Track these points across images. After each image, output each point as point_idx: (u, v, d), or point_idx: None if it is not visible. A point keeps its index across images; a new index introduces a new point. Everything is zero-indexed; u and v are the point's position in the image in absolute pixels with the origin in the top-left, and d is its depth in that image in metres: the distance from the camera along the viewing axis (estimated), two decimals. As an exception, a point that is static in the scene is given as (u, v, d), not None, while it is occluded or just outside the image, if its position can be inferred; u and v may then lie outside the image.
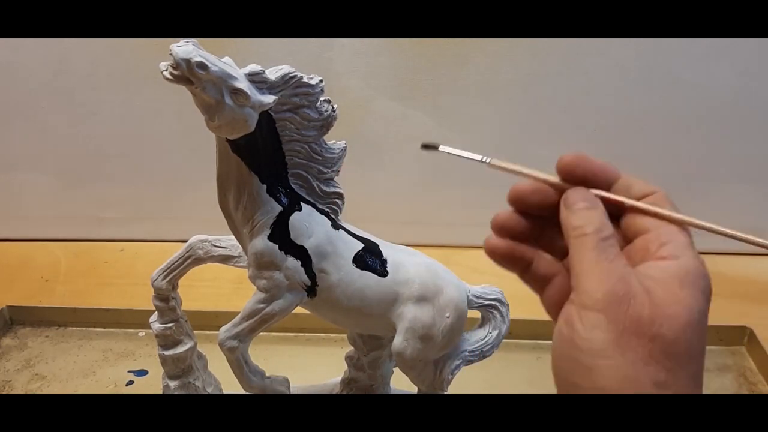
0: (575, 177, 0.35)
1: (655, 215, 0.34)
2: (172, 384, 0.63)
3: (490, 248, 0.37)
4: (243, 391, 0.57)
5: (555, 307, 0.34)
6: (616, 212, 0.34)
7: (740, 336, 0.86)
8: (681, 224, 0.33)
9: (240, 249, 0.56)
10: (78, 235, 1.10)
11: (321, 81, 0.49)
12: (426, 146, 0.42)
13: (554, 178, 0.36)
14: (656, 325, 0.29)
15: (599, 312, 0.30)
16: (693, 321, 0.30)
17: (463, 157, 0.39)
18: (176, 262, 0.59)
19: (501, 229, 0.37)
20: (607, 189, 0.35)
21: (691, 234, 0.34)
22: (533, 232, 0.37)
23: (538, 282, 0.36)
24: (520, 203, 0.37)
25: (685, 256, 0.32)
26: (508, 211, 0.37)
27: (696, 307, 0.30)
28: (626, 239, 0.34)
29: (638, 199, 0.34)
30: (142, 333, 0.88)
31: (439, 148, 0.41)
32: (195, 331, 0.64)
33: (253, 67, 0.47)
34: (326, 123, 0.51)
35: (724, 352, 0.85)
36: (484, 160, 0.38)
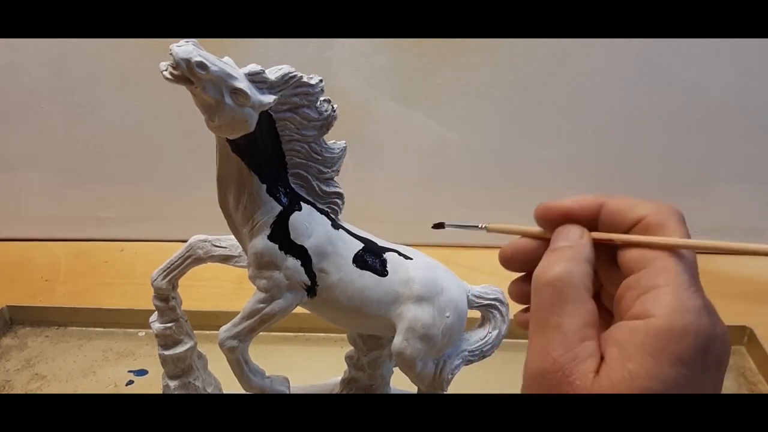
0: (552, 225, 0.33)
1: (640, 245, 0.30)
2: (172, 384, 0.63)
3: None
4: (243, 391, 0.57)
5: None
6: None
7: (740, 336, 0.86)
8: (673, 248, 0.29)
9: (240, 249, 0.56)
10: (78, 234, 1.10)
11: (321, 81, 0.49)
12: (436, 226, 0.48)
13: (538, 230, 0.35)
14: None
15: (526, 389, 0.29)
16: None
17: (464, 227, 0.43)
18: (176, 261, 0.59)
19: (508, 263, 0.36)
20: (591, 222, 0.32)
21: (689, 261, 0.29)
22: None
23: None
24: (510, 264, 0.36)
25: (660, 312, 0.27)
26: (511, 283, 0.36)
27: (651, 384, 0.26)
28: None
29: (631, 225, 0.31)
30: (142, 333, 0.88)
31: (445, 226, 0.46)
32: (195, 331, 0.64)
33: (253, 67, 0.47)
34: (326, 123, 0.51)
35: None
36: (481, 226, 0.39)
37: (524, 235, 0.35)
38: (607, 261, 0.32)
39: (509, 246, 0.35)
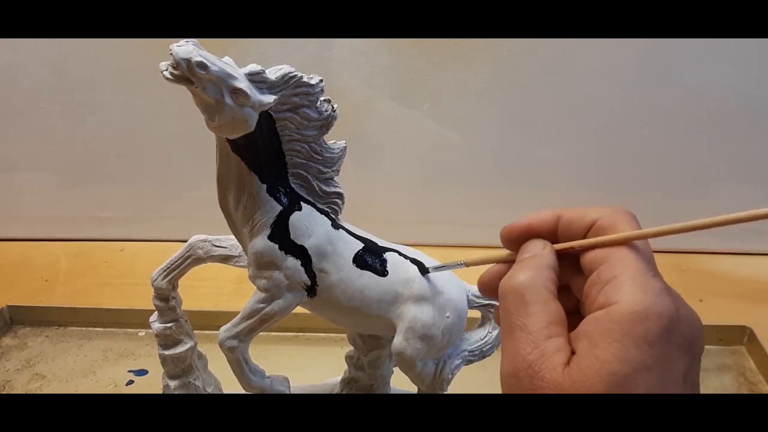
0: (516, 244, 0.35)
1: (596, 245, 0.31)
2: (172, 384, 0.63)
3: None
4: (243, 391, 0.57)
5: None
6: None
7: (740, 336, 0.86)
8: (625, 241, 0.30)
9: (240, 249, 0.56)
10: (78, 234, 1.11)
11: (321, 81, 0.49)
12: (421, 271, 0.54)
13: (503, 254, 0.37)
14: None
15: (504, 391, 0.30)
16: (615, 384, 0.26)
17: (447, 268, 0.50)
18: (176, 261, 0.59)
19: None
20: (552, 236, 0.34)
21: (644, 251, 0.30)
22: None
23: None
24: (488, 291, 0.37)
25: (621, 298, 0.28)
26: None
27: (619, 368, 0.26)
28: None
29: (585, 230, 0.32)
30: (142, 333, 0.88)
31: (429, 270, 0.53)
32: (195, 331, 0.64)
33: (253, 67, 0.47)
34: (326, 123, 0.51)
35: (724, 352, 0.85)
36: (461, 263, 0.43)
37: (498, 261, 0.37)
38: (574, 271, 0.33)
39: (485, 273, 0.37)
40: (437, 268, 0.53)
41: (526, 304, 0.30)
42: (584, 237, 0.32)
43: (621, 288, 0.28)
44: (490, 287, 0.37)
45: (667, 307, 0.27)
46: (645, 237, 0.30)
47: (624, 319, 0.27)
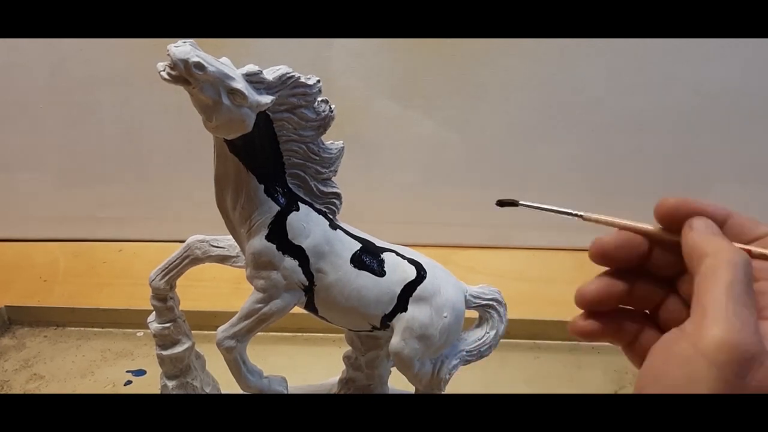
0: (679, 222, 0.32)
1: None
2: (171, 384, 0.63)
3: (579, 332, 0.33)
4: (241, 391, 0.57)
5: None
6: None
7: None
8: None
9: (238, 249, 0.56)
10: (76, 235, 1.10)
11: (318, 81, 0.49)
12: (503, 203, 0.42)
13: (647, 226, 0.33)
14: None
15: (713, 366, 0.26)
16: None
17: (553, 211, 0.37)
18: (174, 262, 0.59)
19: (589, 304, 0.33)
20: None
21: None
22: (623, 292, 0.33)
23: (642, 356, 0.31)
24: (605, 259, 0.33)
25: None
26: (593, 284, 0.34)
27: None
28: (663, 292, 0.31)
29: (751, 241, 0.32)
30: (140, 333, 0.88)
31: (519, 204, 0.40)
32: (193, 331, 0.64)
33: (251, 68, 0.47)
34: (324, 123, 0.51)
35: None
36: (576, 213, 0.35)
37: (635, 231, 0.33)
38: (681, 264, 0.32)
39: (611, 239, 0.33)
40: (536, 207, 0.40)
41: (751, 283, 0.28)
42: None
43: None
44: (615, 255, 0.33)
45: None
46: None
47: None
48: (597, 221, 0.34)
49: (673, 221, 0.32)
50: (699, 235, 0.31)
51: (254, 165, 0.50)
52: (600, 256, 0.33)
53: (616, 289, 0.33)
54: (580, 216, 0.35)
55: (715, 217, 0.32)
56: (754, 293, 0.28)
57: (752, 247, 0.31)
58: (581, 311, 0.34)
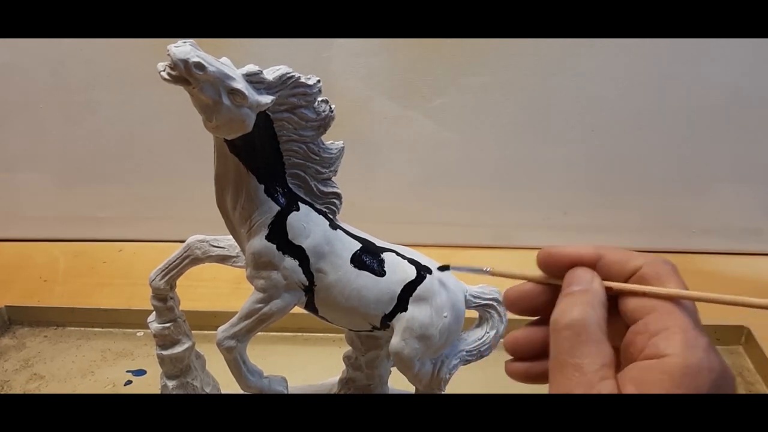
0: (555, 271, 0.34)
1: (644, 294, 0.31)
2: (171, 384, 0.63)
3: (512, 374, 0.36)
4: (241, 391, 0.57)
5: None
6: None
7: (738, 335, 0.86)
8: (674, 299, 0.30)
9: (238, 249, 0.56)
10: (76, 235, 1.11)
11: (318, 81, 0.49)
12: (441, 268, 0.52)
13: (536, 275, 0.36)
14: None
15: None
16: None
17: (469, 271, 0.43)
18: (174, 262, 0.59)
19: (520, 353, 0.36)
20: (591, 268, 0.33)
21: (689, 308, 0.31)
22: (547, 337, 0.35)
23: None
24: (516, 310, 0.36)
25: (673, 351, 0.28)
26: (520, 333, 0.36)
27: None
28: (628, 325, 0.32)
29: (631, 274, 0.32)
30: (140, 333, 0.88)
31: (450, 268, 0.49)
32: (193, 331, 0.64)
33: (251, 68, 0.47)
34: (324, 123, 0.51)
35: (722, 352, 0.84)
36: (485, 270, 0.39)
37: (529, 280, 0.36)
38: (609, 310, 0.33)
39: (514, 290, 0.36)
40: (458, 269, 0.48)
41: (581, 343, 0.30)
42: (626, 282, 0.32)
43: (672, 341, 0.28)
44: (518, 305, 0.36)
45: (716, 363, 0.28)
46: (697, 299, 0.31)
47: (677, 372, 0.27)
48: (502, 275, 0.38)
49: (553, 269, 0.34)
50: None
51: (254, 165, 0.50)
52: (510, 305, 0.36)
53: (540, 335, 0.35)
54: (488, 272, 0.38)
55: (586, 259, 0.33)
56: (583, 353, 0.30)
57: (619, 285, 0.32)
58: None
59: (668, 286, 0.31)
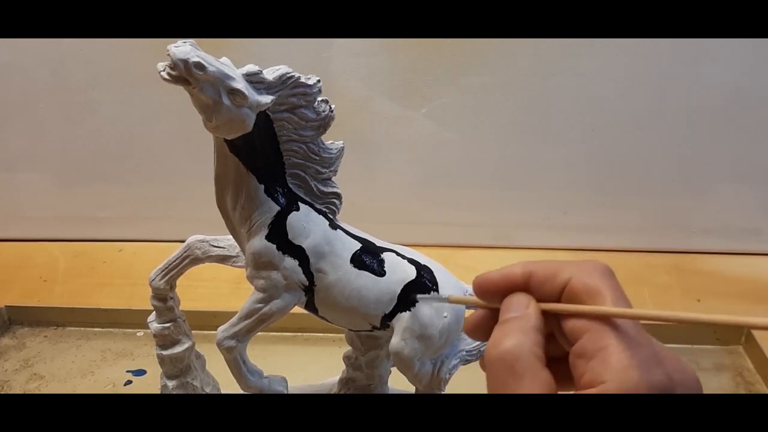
0: (492, 298, 0.33)
1: (576, 314, 0.29)
2: (171, 384, 0.63)
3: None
4: (241, 391, 0.57)
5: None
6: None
7: (737, 335, 0.86)
8: (606, 317, 0.28)
9: (238, 249, 0.56)
10: (76, 235, 1.10)
11: (318, 81, 0.49)
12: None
13: (477, 301, 0.35)
14: None
15: None
16: None
17: (431, 299, 0.53)
18: (174, 262, 0.59)
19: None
20: (525, 290, 0.32)
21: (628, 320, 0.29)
22: None
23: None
24: (476, 336, 0.35)
25: (609, 377, 0.27)
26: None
27: None
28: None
29: (562, 289, 0.31)
30: (140, 333, 0.88)
31: (418, 299, 0.53)
32: (193, 331, 0.64)
33: (251, 67, 0.47)
34: (324, 123, 0.51)
35: (722, 352, 0.85)
36: (444, 298, 0.41)
37: (482, 307, 0.35)
38: (557, 324, 0.32)
39: (472, 317, 0.35)
40: (423, 298, 0.53)
41: (515, 375, 0.29)
42: (559, 299, 0.31)
43: (608, 364, 0.27)
44: (477, 331, 0.35)
45: (658, 377, 0.27)
46: (626, 317, 0.29)
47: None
48: (458, 302, 0.41)
49: (490, 295, 0.33)
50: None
51: (254, 165, 0.50)
52: (471, 334, 0.35)
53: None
54: (447, 300, 0.39)
55: (517, 282, 0.32)
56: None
57: (555, 306, 0.31)
58: None
59: (598, 299, 0.29)
